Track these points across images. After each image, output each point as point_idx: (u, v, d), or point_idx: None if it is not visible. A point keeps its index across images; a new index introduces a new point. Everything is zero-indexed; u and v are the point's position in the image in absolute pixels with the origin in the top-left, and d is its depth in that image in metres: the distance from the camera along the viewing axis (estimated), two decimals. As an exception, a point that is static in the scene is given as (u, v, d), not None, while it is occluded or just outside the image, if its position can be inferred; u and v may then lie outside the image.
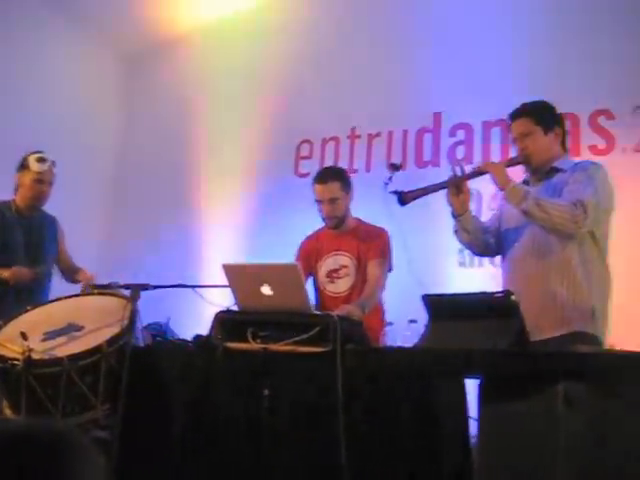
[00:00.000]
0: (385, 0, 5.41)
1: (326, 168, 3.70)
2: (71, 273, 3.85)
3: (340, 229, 3.40)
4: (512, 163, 2.83)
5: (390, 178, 2.83)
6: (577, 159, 4.21)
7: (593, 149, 4.56)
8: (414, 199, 2.74)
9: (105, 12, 5.71)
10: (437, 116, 4.99)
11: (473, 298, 2.00)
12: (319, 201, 3.36)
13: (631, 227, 4.08)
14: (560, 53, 4.67)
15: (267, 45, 5.76)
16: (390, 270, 3.36)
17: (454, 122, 4.92)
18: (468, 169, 2.91)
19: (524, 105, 2.86)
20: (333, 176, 3.41)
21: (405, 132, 5.07)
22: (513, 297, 1.89)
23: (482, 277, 4.18)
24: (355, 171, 5.06)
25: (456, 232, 2.90)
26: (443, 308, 1.98)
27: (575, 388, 1.71)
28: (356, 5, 5.48)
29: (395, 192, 2.75)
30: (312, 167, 4.88)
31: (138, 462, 2.69)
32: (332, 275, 3.36)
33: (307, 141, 5.45)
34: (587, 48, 4.61)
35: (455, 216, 2.83)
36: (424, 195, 2.76)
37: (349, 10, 5.49)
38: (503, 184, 2.66)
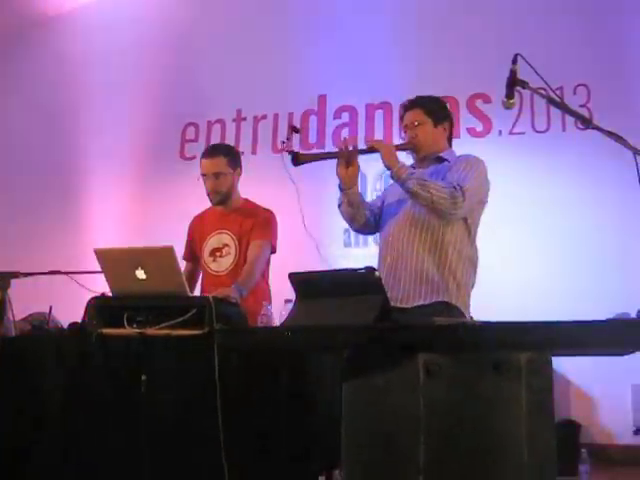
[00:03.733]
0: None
1: (215, 144, 3.67)
2: None
3: (225, 207, 3.39)
4: (401, 148, 2.92)
5: (288, 138, 2.87)
6: (457, 141, 4.38)
7: (472, 131, 4.74)
8: (307, 161, 2.80)
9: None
10: (322, 98, 5.05)
11: (338, 275, 2.04)
12: (204, 175, 3.33)
13: (506, 206, 4.27)
14: (440, 38, 4.81)
15: (148, 29, 5.65)
16: (273, 252, 3.36)
17: (338, 104, 5.00)
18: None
19: (419, 97, 2.98)
20: (220, 151, 3.40)
21: (291, 114, 5.11)
22: (377, 273, 1.94)
23: (367, 256, 4.27)
24: (242, 153, 5.04)
25: (340, 206, 2.96)
26: (309, 286, 2.00)
27: (434, 358, 1.79)
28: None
29: (290, 152, 2.78)
30: (198, 150, 4.82)
31: (11, 454, 2.61)
32: (215, 254, 3.35)
33: (193, 124, 5.40)
34: (466, 34, 4.77)
35: (342, 189, 2.88)
36: (316, 160, 2.83)
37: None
38: (391, 164, 2.75)
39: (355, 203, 2.91)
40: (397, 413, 1.83)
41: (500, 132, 4.66)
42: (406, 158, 2.95)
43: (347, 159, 2.81)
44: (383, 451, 1.86)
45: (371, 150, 2.84)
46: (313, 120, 5.05)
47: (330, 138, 4.94)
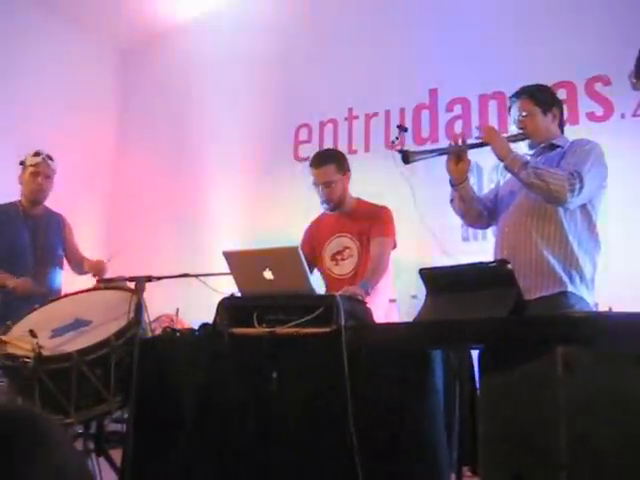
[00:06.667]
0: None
1: (320, 151, 3.72)
2: (80, 266, 3.91)
3: (340, 211, 3.42)
4: (513, 139, 2.88)
5: (397, 138, 2.88)
6: (575, 128, 4.24)
7: (591, 116, 4.56)
8: (417, 159, 2.79)
9: (101, 9, 5.76)
10: (433, 92, 4.99)
11: (469, 269, 2.01)
12: (316, 184, 3.38)
13: (630, 191, 4.10)
14: (556, 22, 4.65)
15: (261, 32, 5.77)
16: (394, 247, 3.36)
17: (450, 97, 4.93)
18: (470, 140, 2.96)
19: (525, 87, 2.95)
20: (327, 159, 3.43)
21: (402, 110, 5.08)
22: (509, 266, 1.90)
23: (486, 250, 4.19)
24: (355, 152, 5.07)
25: (452, 201, 2.96)
26: (440, 281, 1.99)
27: (574, 352, 1.73)
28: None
29: (400, 150, 2.78)
30: (311, 151, 4.87)
31: (152, 451, 2.72)
32: (336, 257, 3.39)
33: (305, 125, 5.46)
34: (583, 16, 4.59)
35: (453, 184, 2.87)
36: (426, 157, 2.83)
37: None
38: (504, 155, 2.72)
39: (467, 198, 2.89)
40: (535, 408, 1.79)
41: (622, 115, 4.44)
42: (518, 148, 2.89)
43: (457, 154, 2.80)
44: (522, 447, 1.82)
45: (482, 144, 2.80)
46: (425, 114, 5.00)
47: (443, 132, 4.87)
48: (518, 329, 1.81)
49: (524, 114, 2.86)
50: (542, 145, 2.87)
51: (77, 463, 0.72)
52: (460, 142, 2.82)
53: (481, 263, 1.99)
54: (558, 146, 2.84)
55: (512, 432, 1.83)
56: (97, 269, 3.71)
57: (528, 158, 2.78)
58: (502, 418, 1.85)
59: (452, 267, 2.09)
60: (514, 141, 2.87)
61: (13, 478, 0.63)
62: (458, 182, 2.86)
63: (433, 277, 1.99)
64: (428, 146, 4.83)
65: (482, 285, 1.89)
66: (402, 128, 3.01)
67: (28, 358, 2.65)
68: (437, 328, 1.94)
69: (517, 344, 1.83)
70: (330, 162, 3.39)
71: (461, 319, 1.87)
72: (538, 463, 1.79)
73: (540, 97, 2.90)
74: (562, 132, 2.97)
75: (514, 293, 1.85)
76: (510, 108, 2.97)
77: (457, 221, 4.13)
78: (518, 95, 2.93)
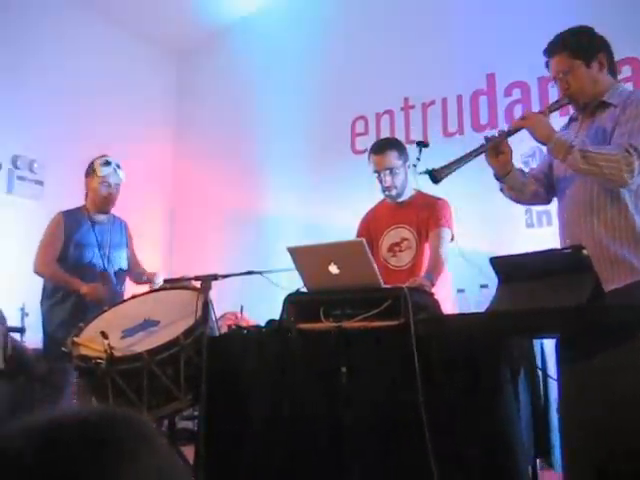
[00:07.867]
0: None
1: (382, 139, 3.69)
2: (138, 275, 3.98)
3: (399, 201, 3.37)
4: (556, 107, 2.59)
5: (418, 159, 2.60)
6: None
7: (661, 92, 4.38)
8: (448, 174, 2.45)
9: (154, 13, 5.84)
10: (490, 77, 4.88)
11: (542, 256, 1.95)
12: (377, 172, 3.34)
13: None
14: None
15: (314, 26, 5.75)
16: (452, 239, 3.28)
17: (509, 81, 4.81)
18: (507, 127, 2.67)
19: (558, 38, 2.53)
20: (389, 146, 3.39)
21: (459, 97, 4.98)
22: (584, 251, 1.83)
23: (550, 236, 4.09)
24: (412, 142, 5.00)
25: (501, 190, 2.72)
26: (512, 269, 1.93)
27: (658, 338, 1.67)
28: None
29: (426, 171, 2.46)
30: (368, 143, 4.83)
31: (223, 450, 2.74)
32: (394, 249, 3.34)
33: (361, 117, 5.42)
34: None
35: (498, 178, 2.64)
36: (458, 167, 2.46)
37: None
38: (545, 139, 2.41)
39: (517, 186, 2.63)
40: (618, 399, 1.73)
41: (693, 89, 4.26)
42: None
43: (494, 148, 2.52)
44: (605, 439, 1.77)
45: (518, 129, 2.50)
46: (483, 100, 4.89)
47: (502, 117, 4.77)
48: (598, 317, 1.74)
49: (564, 72, 2.47)
50: (594, 104, 2.50)
51: (175, 461, 0.71)
52: (497, 133, 2.54)
53: (554, 250, 1.92)
54: (610, 104, 2.45)
55: (594, 424, 1.77)
56: (152, 279, 3.80)
57: (573, 139, 2.42)
58: (582, 409, 1.80)
59: (524, 255, 2.03)
60: (558, 108, 2.59)
61: (116, 477, 0.64)
62: (503, 174, 2.59)
63: (505, 265, 1.94)
64: (487, 132, 4.74)
65: (557, 272, 1.82)
66: (422, 144, 2.73)
67: (101, 359, 2.70)
68: (513, 317, 1.89)
69: (597, 332, 1.76)
70: (392, 149, 3.36)
71: (538, 308, 1.81)
72: (623, 456, 1.73)
73: (578, 45, 2.46)
74: (616, 78, 2.57)
75: (591, 280, 1.78)
76: (547, 64, 2.57)
77: (520, 207, 4.05)
78: (553, 50, 2.51)
